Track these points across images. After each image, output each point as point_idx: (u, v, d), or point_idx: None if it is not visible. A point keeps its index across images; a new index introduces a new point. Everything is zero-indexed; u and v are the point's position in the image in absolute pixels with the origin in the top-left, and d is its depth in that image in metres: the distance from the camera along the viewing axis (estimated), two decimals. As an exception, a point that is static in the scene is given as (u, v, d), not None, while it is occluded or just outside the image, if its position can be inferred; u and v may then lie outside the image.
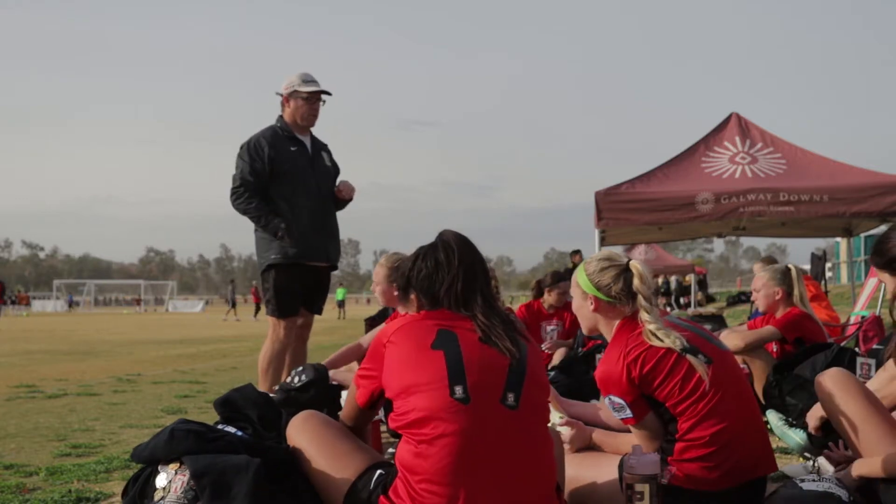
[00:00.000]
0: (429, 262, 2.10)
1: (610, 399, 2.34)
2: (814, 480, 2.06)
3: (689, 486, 2.21)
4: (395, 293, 4.10)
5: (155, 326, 24.53)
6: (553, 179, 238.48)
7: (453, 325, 1.97)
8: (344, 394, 3.22)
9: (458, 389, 1.83)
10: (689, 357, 2.25)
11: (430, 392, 1.84)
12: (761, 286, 4.38)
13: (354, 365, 4.10)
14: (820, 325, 4.34)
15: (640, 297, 2.41)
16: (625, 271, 2.46)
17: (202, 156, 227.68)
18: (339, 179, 4.77)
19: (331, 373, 3.58)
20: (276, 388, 3.51)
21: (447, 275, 2.05)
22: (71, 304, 56.42)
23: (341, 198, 4.74)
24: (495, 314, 2.04)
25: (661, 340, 2.28)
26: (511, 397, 1.87)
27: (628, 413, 2.31)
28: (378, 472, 1.95)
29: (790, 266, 4.43)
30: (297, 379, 3.34)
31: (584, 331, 2.63)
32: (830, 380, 2.39)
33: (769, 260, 7.36)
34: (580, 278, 2.54)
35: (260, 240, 4.46)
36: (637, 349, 2.29)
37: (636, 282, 2.43)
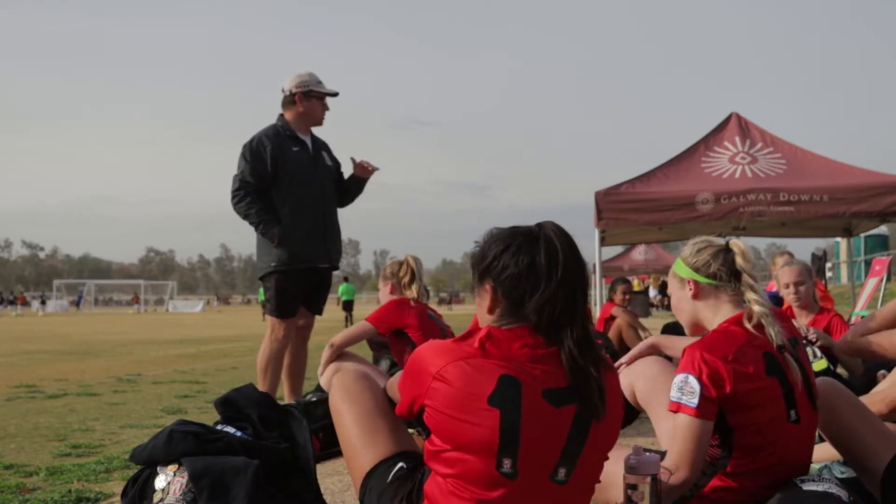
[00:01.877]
0: (521, 261, 1.66)
1: (686, 378, 2.04)
2: (813, 481, 2.05)
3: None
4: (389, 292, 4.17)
5: (155, 326, 24.52)
6: (553, 179, 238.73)
7: (520, 370, 1.61)
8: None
9: (507, 463, 1.59)
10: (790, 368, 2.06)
11: (476, 456, 1.60)
12: (807, 278, 4.25)
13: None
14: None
15: (744, 276, 2.17)
16: (725, 250, 2.23)
17: (202, 156, 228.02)
18: (352, 160, 4.75)
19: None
20: (294, 401, 3.58)
21: (542, 287, 1.64)
22: (43, 301, 51.44)
23: (362, 176, 4.72)
24: (590, 348, 1.67)
25: (764, 328, 2.10)
26: (562, 472, 1.65)
27: (694, 402, 2.00)
28: (400, 464, 1.86)
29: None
30: (315, 396, 3.44)
31: (687, 330, 2.34)
32: (819, 390, 2.28)
33: (790, 255, 7.23)
34: (676, 267, 2.33)
35: (262, 244, 4.43)
36: (746, 363, 2.04)
37: (739, 259, 2.19)
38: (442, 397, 1.61)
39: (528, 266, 1.65)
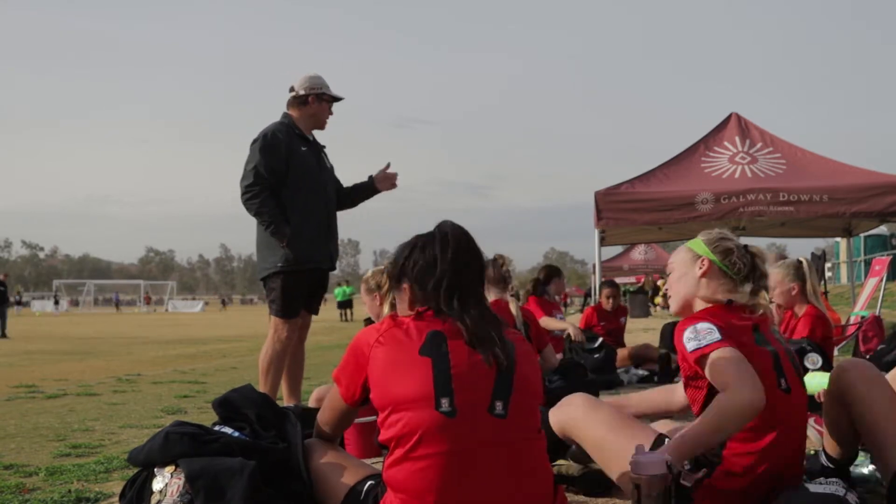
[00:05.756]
0: (427, 254, 1.96)
1: (695, 326, 2.09)
2: (820, 483, 2.05)
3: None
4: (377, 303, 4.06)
5: (154, 326, 24.51)
6: (553, 179, 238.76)
7: (443, 328, 1.87)
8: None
9: (445, 402, 1.76)
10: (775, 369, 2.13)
11: (416, 406, 1.77)
12: (776, 283, 4.26)
13: None
14: (828, 320, 4.32)
15: (762, 280, 2.26)
16: (746, 248, 2.31)
17: (201, 156, 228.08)
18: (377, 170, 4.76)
19: None
20: (294, 405, 3.58)
21: (440, 271, 1.93)
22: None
23: (382, 189, 4.73)
24: (485, 316, 1.93)
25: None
26: (499, 406, 1.80)
27: (717, 336, 2.03)
28: (370, 482, 1.97)
29: (802, 259, 4.39)
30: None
31: (675, 306, 2.36)
32: (856, 371, 2.25)
33: (780, 256, 6.94)
34: (694, 245, 2.36)
35: (266, 244, 4.38)
36: (739, 332, 2.11)
37: (761, 263, 2.27)
38: (381, 360, 1.84)
39: (433, 259, 1.95)
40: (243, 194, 4.27)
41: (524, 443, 1.84)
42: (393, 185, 4.76)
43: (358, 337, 1.94)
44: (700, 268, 2.28)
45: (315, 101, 4.46)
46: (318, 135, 4.70)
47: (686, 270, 2.32)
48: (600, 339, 6.06)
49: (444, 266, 1.93)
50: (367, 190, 4.75)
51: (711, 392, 2.07)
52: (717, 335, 2.03)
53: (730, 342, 2.02)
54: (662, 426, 2.60)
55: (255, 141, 4.33)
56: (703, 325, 2.07)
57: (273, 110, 4.61)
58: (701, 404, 2.14)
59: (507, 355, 1.86)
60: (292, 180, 4.34)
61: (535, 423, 1.89)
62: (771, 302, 4.16)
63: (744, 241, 2.43)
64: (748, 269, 2.26)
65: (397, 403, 1.79)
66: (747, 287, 2.24)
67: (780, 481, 2.13)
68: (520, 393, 1.84)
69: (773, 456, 2.09)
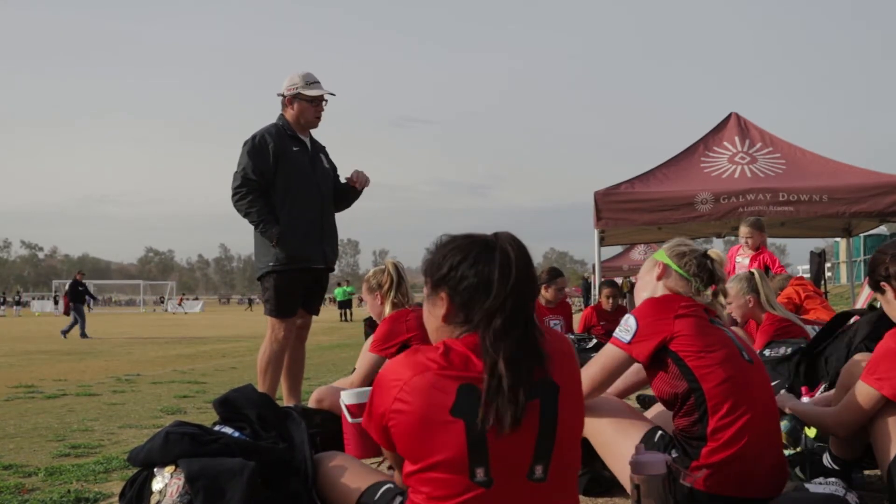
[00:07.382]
0: (479, 271, 1.65)
1: (627, 319, 2.31)
2: (820, 483, 2.05)
3: (712, 491, 2.15)
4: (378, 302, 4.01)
5: (154, 326, 24.50)
6: (552, 179, 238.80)
7: (479, 379, 1.59)
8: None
9: (480, 472, 1.57)
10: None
11: (448, 471, 1.58)
12: (732, 298, 4.35)
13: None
14: (794, 320, 4.34)
15: (720, 283, 2.44)
16: (703, 254, 2.48)
17: (202, 156, 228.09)
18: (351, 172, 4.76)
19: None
20: (294, 405, 3.58)
21: (493, 297, 1.63)
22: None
23: (355, 188, 4.72)
24: (531, 348, 1.64)
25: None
26: (539, 470, 1.61)
27: (626, 338, 2.26)
28: (388, 485, 1.89)
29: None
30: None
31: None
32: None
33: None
34: (655, 255, 2.57)
35: (261, 244, 4.40)
36: (694, 315, 2.26)
37: (719, 268, 2.45)
38: (405, 419, 1.60)
39: (486, 279, 1.64)
40: (232, 196, 4.36)
41: (560, 497, 1.68)
42: (366, 182, 4.75)
43: (381, 384, 1.66)
44: (657, 271, 2.50)
45: (291, 102, 4.48)
46: (319, 135, 4.71)
47: (647, 277, 2.54)
48: (595, 340, 6.08)
49: (502, 295, 1.63)
50: (352, 190, 4.76)
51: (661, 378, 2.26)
52: (627, 337, 2.27)
53: (630, 349, 2.25)
54: (656, 415, 2.63)
55: (245, 144, 4.40)
56: (632, 321, 2.29)
57: (273, 110, 4.62)
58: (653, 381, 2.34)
59: (546, 405, 1.63)
60: (282, 181, 4.37)
61: (573, 474, 1.74)
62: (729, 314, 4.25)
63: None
64: (703, 271, 2.43)
65: (429, 465, 1.60)
66: (708, 292, 2.44)
67: (763, 461, 2.17)
68: (562, 447, 1.65)
69: (752, 431, 2.16)
